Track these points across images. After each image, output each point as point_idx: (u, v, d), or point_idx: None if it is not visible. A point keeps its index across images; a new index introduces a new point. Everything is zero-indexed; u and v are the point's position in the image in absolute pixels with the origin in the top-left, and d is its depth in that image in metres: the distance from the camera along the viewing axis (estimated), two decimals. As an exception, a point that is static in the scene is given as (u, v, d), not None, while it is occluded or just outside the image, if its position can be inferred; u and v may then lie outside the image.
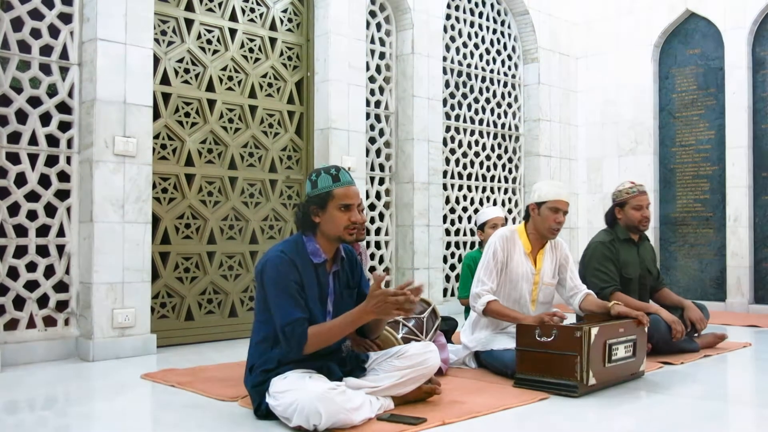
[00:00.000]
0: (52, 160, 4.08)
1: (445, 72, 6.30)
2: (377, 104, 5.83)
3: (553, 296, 3.68)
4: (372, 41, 5.77)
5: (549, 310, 3.62)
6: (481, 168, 6.70)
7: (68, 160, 4.11)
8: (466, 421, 2.61)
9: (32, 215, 4.00)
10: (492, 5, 6.85)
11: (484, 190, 6.73)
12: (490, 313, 3.42)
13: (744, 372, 3.84)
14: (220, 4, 4.87)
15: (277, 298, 2.53)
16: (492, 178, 6.81)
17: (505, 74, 6.98)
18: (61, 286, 4.08)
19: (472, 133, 6.62)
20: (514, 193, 7.05)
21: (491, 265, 3.47)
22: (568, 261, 3.66)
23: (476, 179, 6.65)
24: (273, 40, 5.16)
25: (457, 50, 6.49)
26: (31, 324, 3.95)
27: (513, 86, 7.06)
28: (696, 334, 4.15)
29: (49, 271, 4.04)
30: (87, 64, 4.10)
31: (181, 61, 4.65)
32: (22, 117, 3.98)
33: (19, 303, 3.93)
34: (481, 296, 3.43)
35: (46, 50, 4.08)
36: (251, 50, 5.02)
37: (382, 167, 5.85)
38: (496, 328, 3.55)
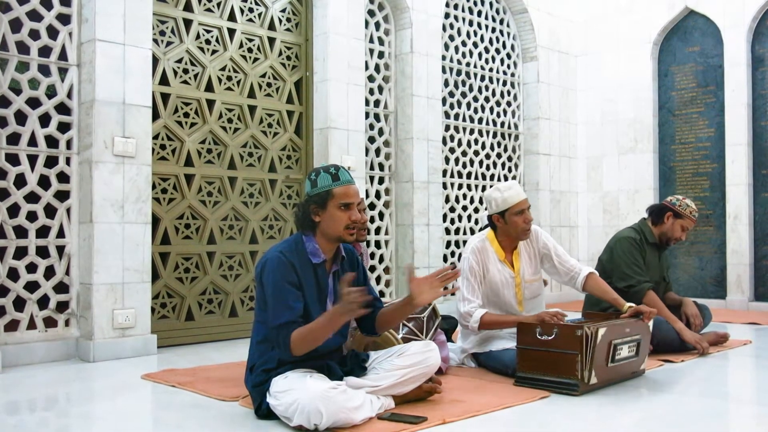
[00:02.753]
0: (51, 161, 4.08)
1: (444, 71, 6.29)
2: (376, 103, 5.82)
3: (541, 289, 3.63)
4: (371, 40, 5.77)
5: (539, 303, 3.61)
6: (481, 167, 6.70)
7: (68, 161, 4.11)
8: (466, 419, 2.61)
9: (32, 216, 4.00)
10: (491, 4, 6.84)
11: (483, 188, 6.71)
12: (487, 326, 3.36)
13: (744, 370, 3.84)
14: (218, 4, 4.87)
15: (272, 300, 2.53)
16: (492, 177, 6.80)
17: (505, 73, 6.98)
18: (62, 287, 4.09)
19: (472, 131, 6.62)
20: (513, 191, 7.04)
21: (471, 282, 3.42)
22: (550, 249, 3.58)
23: (476, 178, 6.64)
24: (272, 40, 5.16)
25: (456, 49, 6.48)
26: (31, 325, 3.95)
27: (512, 85, 7.06)
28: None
29: (49, 272, 4.04)
30: (86, 65, 4.09)
31: (180, 61, 4.65)
32: (21, 118, 3.98)
33: (19, 304, 3.93)
34: (471, 314, 3.36)
35: (44, 51, 4.08)
36: (250, 50, 5.02)
37: (381, 166, 5.84)
38: (487, 333, 3.50)
